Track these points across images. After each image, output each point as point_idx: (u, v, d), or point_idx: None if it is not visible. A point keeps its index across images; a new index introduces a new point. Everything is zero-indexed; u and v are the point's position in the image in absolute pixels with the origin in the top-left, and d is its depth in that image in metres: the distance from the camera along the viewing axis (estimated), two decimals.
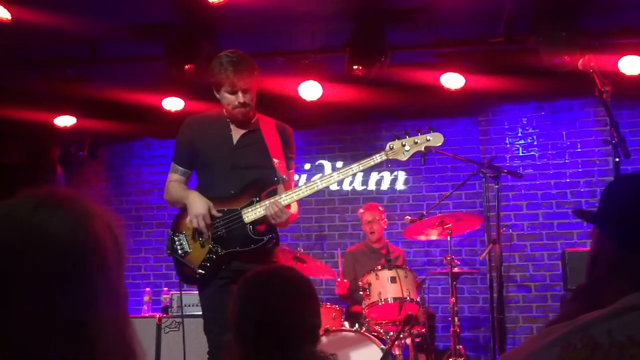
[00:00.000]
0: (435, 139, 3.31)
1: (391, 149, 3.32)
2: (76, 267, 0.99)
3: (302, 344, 1.96)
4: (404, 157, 3.32)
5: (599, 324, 1.13)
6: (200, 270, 3.34)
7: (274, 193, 3.37)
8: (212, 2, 4.74)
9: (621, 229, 1.35)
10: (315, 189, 3.34)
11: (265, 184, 3.37)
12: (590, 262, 1.42)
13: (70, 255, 0.99)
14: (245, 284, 2.07)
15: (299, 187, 3.36)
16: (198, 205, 3.30)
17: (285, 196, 3.31)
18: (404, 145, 3.31)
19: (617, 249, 1.34)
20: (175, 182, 3.54)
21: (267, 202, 3.30)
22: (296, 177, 4.12)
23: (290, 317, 1.97)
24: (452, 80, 5.96)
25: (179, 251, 3.41)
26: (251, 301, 2.01)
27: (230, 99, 3.35)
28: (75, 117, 6.82)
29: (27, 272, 0.96)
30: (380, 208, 5.97)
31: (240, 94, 3.33)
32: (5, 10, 4.94)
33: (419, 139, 3.31)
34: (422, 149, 3.31)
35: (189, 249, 3.40)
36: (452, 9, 5.15)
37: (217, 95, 3.43)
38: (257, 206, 3.31)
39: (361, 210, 6.04)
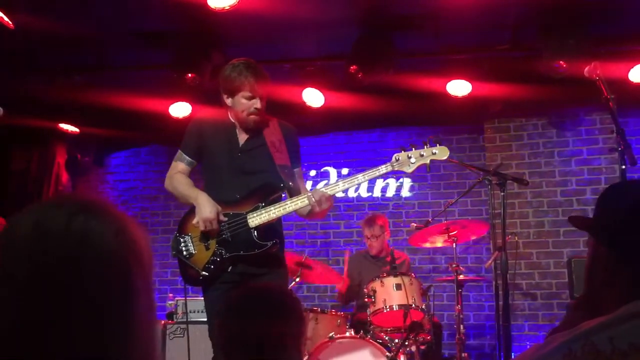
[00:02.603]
0: (441, 153, 3.33)
1: (397, 160, 3.34)
2: (121, 275, 0.98)
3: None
4: (409, 170, 3.34)
5: (601, 332, 1.12)
6: (204, 272, 3.38)
7: (278, 199, 3.39)
8: (215, 9, 4.74)
9: (618, 238, 1.33)
10: (301, 205, 3.35)
11: (270, 190, 3.40)
12: (587, 271, 1.41)
13: (115, 263, 0.97)
14: (229, 308, 2.06)
15: (304, 194, 3.38)
16: (207, 208, 3.33)
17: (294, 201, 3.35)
18: (409, 158, 3.33)
19: (615, 258, 1.33)
20: (180, 173, 3.57)
21: (272, 207, 3.34)
22: None
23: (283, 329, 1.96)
24: (459, 88, 5.96)
25: (184, 252, 3.45)
26: (247, 315, 2.00)
27: (247, 105, 3.39)
28: (82, 123, 6.85)
29: (71, 282, 0.95)
30: (381, 222, 5.78)
31: (258, 100, 3.38)
32: (7, 19, 4.96)
33: (425, 151, 3.33)
34: (428, 162, 3.34)
35: (194, 250, 3.43)
36: (458, 16, 5.15)
37: (229, 102, 3.46)
38: (263, 211, 3.35)
39: (362, 224, 5.93)
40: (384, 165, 3.34)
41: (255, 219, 3.34)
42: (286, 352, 1.99)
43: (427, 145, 3.35)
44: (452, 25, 5.37)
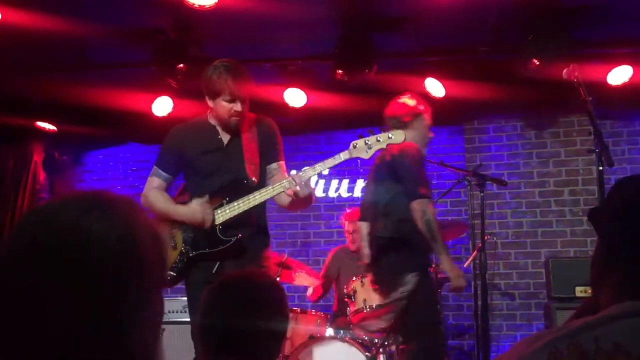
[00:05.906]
0: (397, 137, 3.32)
1: (354, 147, 3.31)
2: (114, 276, 0.97)
3: (264, 351, 1.94)
4: (366, 156, 3.31)
5: (587, 331, 1.12)
6: (171, 272, 3.38)
7: (245, 194, 3.35)
8: (200, 5, 4.71)
9: (612, 229, 1.29)
10: (281, 189, 3.30)
11: (234, 187, 3.38)
12: (590, 268, 1.36)
13: (110, 264, 0.97)
14: (210, 293, 2.04)
15: (267, 188, 3.35)
16: (197, 214, 3.33)
17: (260, 193, 3.33)
18: (367, 144, 3.31)
19: (607, 251, 1.30)
20: (156, 189, 3.54)
21: (235, 203, 3.33)
22: None
23: (253, 324, 1.94)
24: (438, 89, 5.99)
25: None
26: (214, 310, 1.98)
27: (227, 108, 3.37)
28: (60, 121, 6.77)
29: (64, 275, 0.94)
30: None
31: (238, 103, 3.36)
32: None
33: (382, 137, 3.32)
34: (385, 146, 3.33)
35: None
36: (439, 18, 5.17)
37: (211, 103, 3.43)
38: (226, 207, 3.35)
39: (343, 218, 5.97)
40: (342, 153, 3.30)
41: (220, 216, 3.34)
42: (266, 350, 1.97)
43: (383, 131, 3.35)
44: (433, 27, 5.39)
